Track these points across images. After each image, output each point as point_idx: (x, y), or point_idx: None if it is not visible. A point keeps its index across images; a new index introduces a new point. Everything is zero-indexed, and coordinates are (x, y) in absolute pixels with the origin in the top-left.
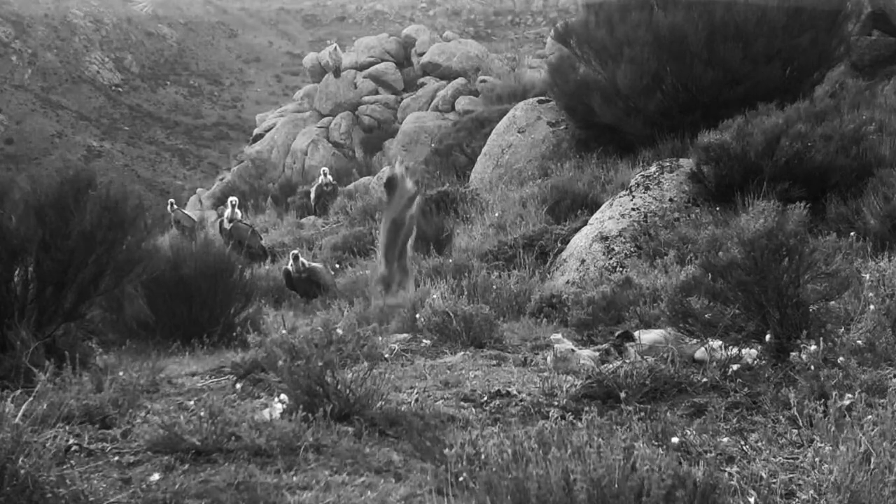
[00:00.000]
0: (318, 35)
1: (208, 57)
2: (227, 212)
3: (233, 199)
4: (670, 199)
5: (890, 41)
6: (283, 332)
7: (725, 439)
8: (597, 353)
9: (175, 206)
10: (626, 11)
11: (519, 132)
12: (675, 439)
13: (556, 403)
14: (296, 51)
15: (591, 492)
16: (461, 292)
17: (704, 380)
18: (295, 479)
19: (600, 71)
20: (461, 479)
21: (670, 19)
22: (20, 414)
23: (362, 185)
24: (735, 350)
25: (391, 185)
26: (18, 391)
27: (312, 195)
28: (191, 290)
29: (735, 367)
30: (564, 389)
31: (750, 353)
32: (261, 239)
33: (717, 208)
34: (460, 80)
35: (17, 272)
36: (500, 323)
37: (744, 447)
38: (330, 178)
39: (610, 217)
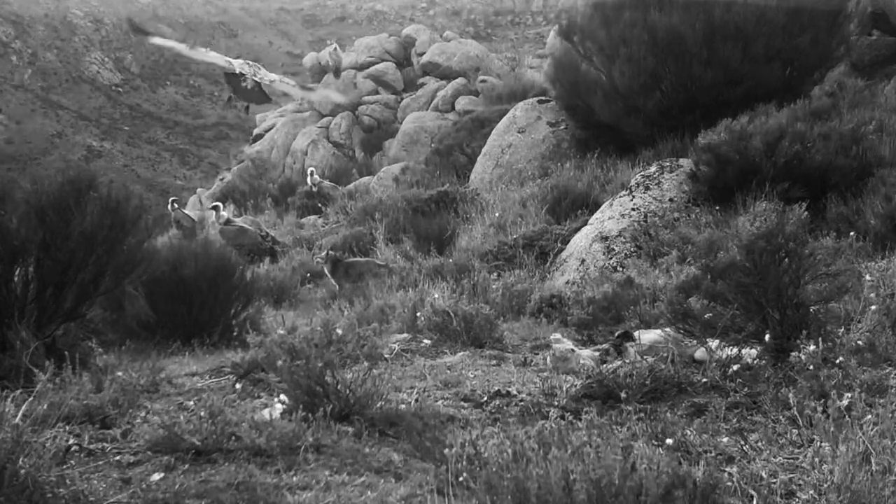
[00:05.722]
0: (318, 35)
1: None
2: (214, 217)
3: (216, 203)
4: (670, 199)
5: (890, 41)
6: (283, 332)
7: (725, 439)
8: (597, 353)
9: (176, 206)
10: (622, 10)
11: (519, 132)
12: (669, 440)
13: (555, 403)
14: (296, 51)
15: (591, 491)
16: (461, 292)
17: (704, 380)
18: (295, 479)
19: (601, 69)
20: (461, 479)
21: (666, 19)
22: (20, 414)
23: (362, 185)
24: (735, 350)
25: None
26: (18, 391)
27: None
28: (191, 291)
29: (735, 367)
30: (564, 389)
31: (750, 353)
32: (261, 233)
33: (717, 208)
34: (460, 80)
35: (17, 272)
36: (500, 323)
37: (744, 447)
38: (317, 178)
39: (610, 217)
